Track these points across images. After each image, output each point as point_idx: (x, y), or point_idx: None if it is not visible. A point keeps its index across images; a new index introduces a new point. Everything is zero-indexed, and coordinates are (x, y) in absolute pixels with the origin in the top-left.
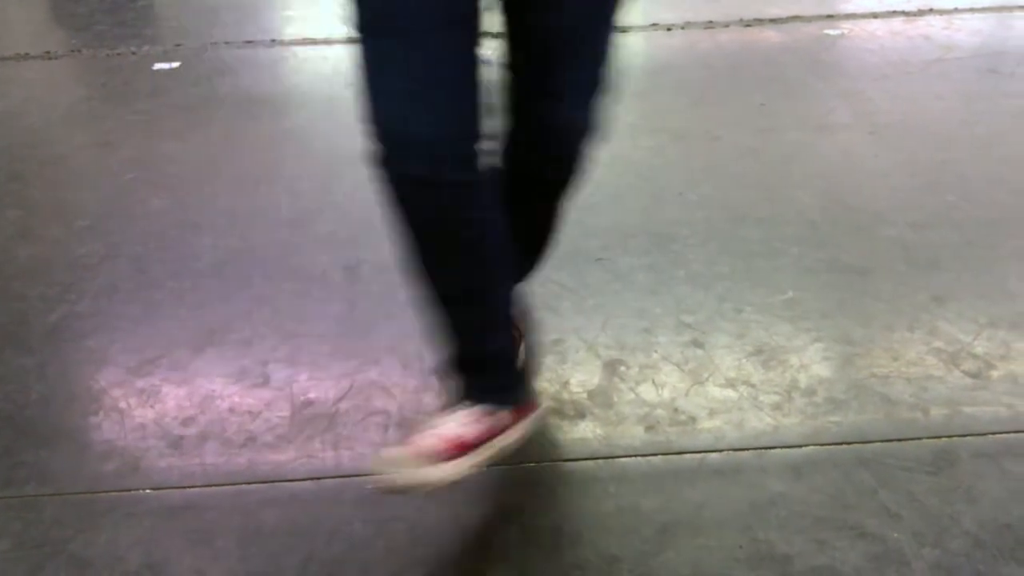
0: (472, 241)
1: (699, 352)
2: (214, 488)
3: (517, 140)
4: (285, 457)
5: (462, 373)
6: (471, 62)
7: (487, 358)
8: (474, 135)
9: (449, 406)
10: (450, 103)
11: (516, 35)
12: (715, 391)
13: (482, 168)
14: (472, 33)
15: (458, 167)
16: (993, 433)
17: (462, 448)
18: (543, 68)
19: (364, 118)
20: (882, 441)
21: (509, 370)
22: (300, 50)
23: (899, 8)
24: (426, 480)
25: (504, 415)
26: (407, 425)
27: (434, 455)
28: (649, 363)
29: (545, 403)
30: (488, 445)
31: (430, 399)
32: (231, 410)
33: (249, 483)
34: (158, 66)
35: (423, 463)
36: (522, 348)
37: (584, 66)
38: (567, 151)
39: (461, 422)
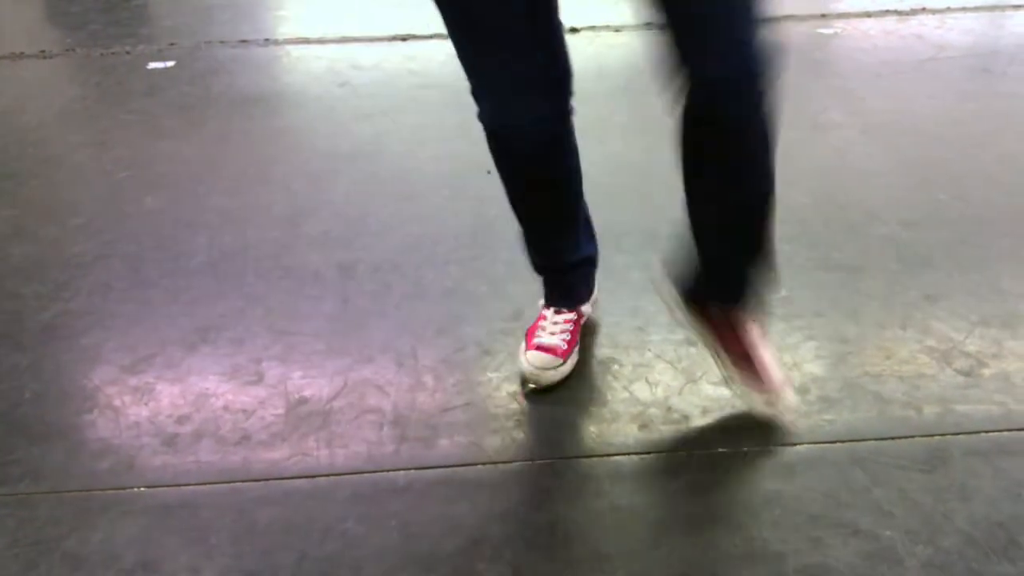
0: (560, 179)
1: (692, 351)
2: (208, 486)
3: (694, 104)
4: (279, 455)
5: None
6: (557, 43)
7: (562, 267)
8: (563, 112)
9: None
10: (538, 92)
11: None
12: (708, 389)
13: (567, 131)
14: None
15: (547, 142)
16: (985, 431)
17: (562, 353)
18: (696, 19)
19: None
20: (875, 439)
21: (580, 274)
22: (294, 49)
23: (892, 7)
24: (549, 381)
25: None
26: (402, 423)
27: (549, 363)
28: (643, 361)
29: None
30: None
31: (424, 397)
32: (225, 408)
33: (243, 481)
34: (152, 65)
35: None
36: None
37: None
38: (745, 97)
39: (550, 331)
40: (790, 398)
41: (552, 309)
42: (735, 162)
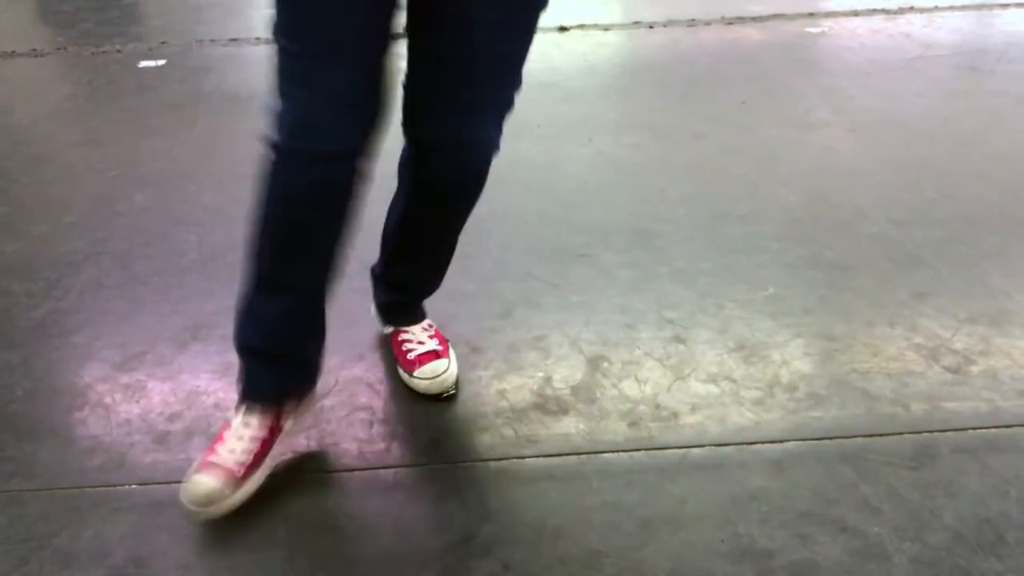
0: (324, 242)
1: (681, 348)
2: None
3: (424, 155)
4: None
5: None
6: (377, 75)
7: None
8: (367, 149)
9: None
10: (349, 116)
11: (429, 49)
12: (697, 387)
13: (361, 178)
14: (383, 45)
15: (344, 176)
16: (973, 428)
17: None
18: (459, 83)
19: (270, 111)
20: (863, 436)
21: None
22: None
23: (880, 6)
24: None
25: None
26: (392, 421)
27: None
28: (632, 359)
29: (523, 397)
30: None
31: (415, 395)
32: (216, 405)
33: None
34: (143, 64)
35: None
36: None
37: (500, 83)
38: (477, 165)
39: (231, 447)
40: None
41: (411, 328)
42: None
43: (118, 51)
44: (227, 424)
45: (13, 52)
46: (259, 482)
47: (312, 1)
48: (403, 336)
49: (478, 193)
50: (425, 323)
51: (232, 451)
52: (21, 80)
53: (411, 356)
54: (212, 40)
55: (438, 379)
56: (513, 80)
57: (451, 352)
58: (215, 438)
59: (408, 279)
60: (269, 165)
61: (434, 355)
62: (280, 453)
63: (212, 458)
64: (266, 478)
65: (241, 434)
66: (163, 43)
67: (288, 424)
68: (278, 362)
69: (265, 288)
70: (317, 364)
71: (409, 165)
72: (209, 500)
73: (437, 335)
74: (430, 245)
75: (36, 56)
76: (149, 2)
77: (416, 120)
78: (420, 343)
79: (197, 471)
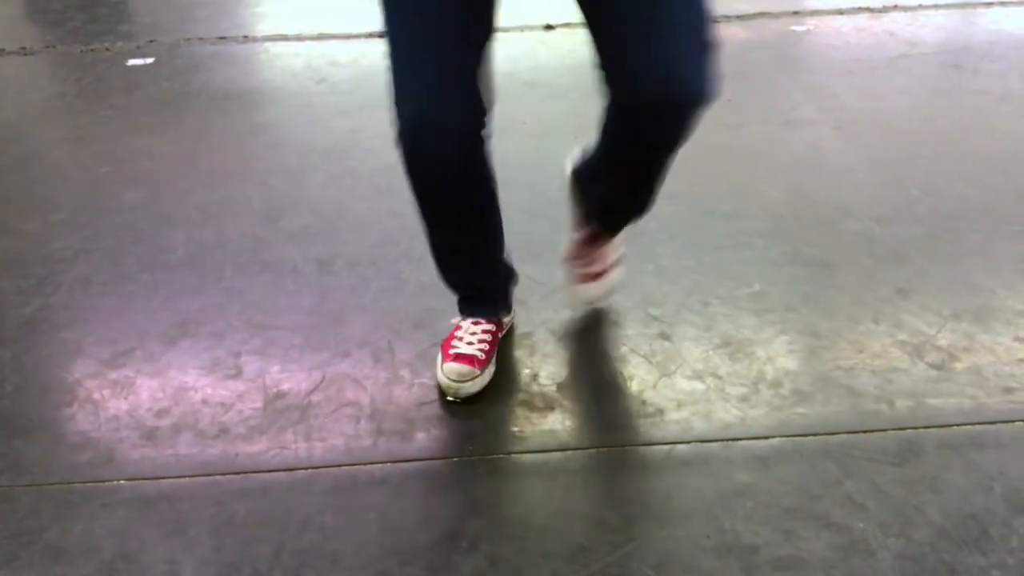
0: (470, 211)
1: (667, 345)
2: (187, 479)
3: (624, 112)
4: (258, 448)
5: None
6: (482, 58)
7: (481, 285)
8: (481, 125)
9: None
10: (462, 101)
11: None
12: (682, 383)
13: (485, 150)
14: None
15: (466, 154)
16: (957, 424)
17: (480, 363)
18: (643, 35)
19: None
20: (847, 432)
21: (499, 290)
22: (272, 46)
23: (864, 4)
24: (467, 393)
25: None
26: (379, 417)
27: (466, 374)
28: (618, 356)
29: (509, 393)
30: (494, 352)
31: (401, 391)
32: (204, 402)
33: (222, 474)
34: (132, 62)
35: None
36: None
37: (682, 22)
38: (678, 117)
39: (467, 341)
40: (596, 291)
41: (469, 320)
42: (650, 169)
43: (107, 49)
44: (457, 326)
45: (2, 50)
46: (493, 370)
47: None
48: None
49: (686, 134)
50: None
51: (471, 344)
52: (10, 78)
53: (451, 350)
54: (200, 38)
55: (455, 383)
56: (702, 15)
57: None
58: (447, 339)
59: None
60: (407, 151)
61: (470, 360)
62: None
63: (455, 351)
64: (253, 473)
65: (474, 331)
66: (151, 41)
67: (506, 319)
68: (479, 296)
69: (442, 253)
70: (512, 277)
71: (611, 129)
72: (463, 377)
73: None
74: (639, 192)
75: (25, 54)
76: (137, 1)
77: (613, 75)
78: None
79: (448, 362)
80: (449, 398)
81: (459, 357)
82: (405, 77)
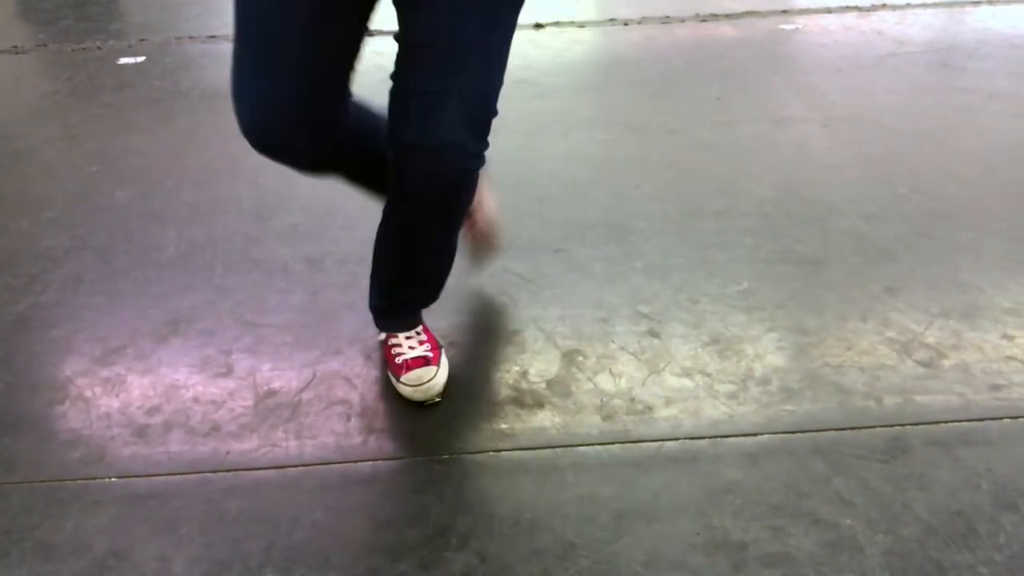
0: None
1: (656, 342)
2: (178, 476)
3: (399, 159)
4: (248, 446)
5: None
6: (340, 66)
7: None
8: (326, 142)
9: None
10: (305, 110)
11: (414, 31)
12: (671, 380)
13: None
14: (343, 37)
15: (309, 163)
16: (945, 421)
17: (435, 360)
18: (436, 72)
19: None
20: (836, 429)
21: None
22: None
23: (852, 3)
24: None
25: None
26: (369, 415)
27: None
28: (606, 353)
29: (498, 391)
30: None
31: (391, 389)
32: (195, 399)
33: (213, 471)
34: (123, 60)
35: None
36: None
37: (477, 76)
38: (450, 173)
39: (409, 347)
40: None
41: (400, 335)
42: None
43: (98, 48)
44: (390, 338)
45: None
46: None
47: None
48: (393, 340)
49: (455, 204)
50: (418, 328)
51: (413, 348)
52: (1, 77)
53: (399, 360)
54: (191, 37)
55: (422, 387)
56: (490, 76)
57: (442, 359)
58: (388, 357)
59: (394, 287)
60: None
61: (422, 361)
62: None
63: (406, 359)
64: (244, 471)
65: (411, 337)
66: (142, 40)
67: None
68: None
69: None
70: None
71: (390, 169)
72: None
73: (430, 340)
74: (411, 253)
75: (17, 53)
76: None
77: (393, 120)
78: (411, 348)
79: (406, 372)
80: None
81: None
82: (246, 72)
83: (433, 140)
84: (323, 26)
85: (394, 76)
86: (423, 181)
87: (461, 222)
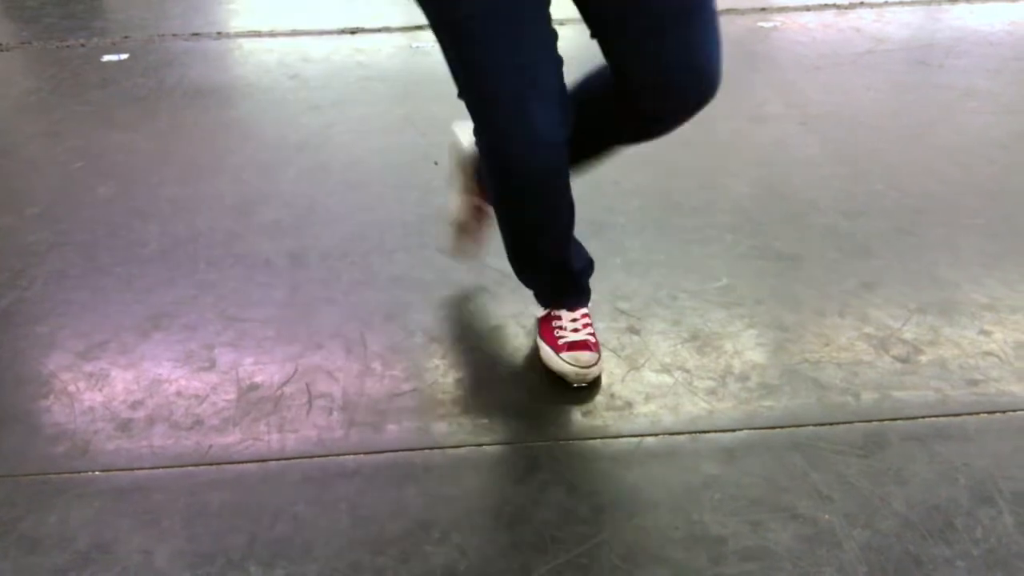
0: (556, 205)
1: (635, 338)
2: (161, 470)
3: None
4: (231, 440)
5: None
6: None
7: (572, 271)
8: (564, 122)
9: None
10: (544, 101)
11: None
12: (651, 376)
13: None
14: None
15: (550, 153)
16: (922, 417)
17: (597, 347)
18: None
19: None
20: (814, 425)
21: (587, 275)
22: (245, 42)
23: (831, 1)
24: (595, 376)
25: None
26: (351, 408)
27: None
28: None
29: (480, 386)
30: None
31: (372, 383)
32: (178, 393)
33: (196, 465)
34: (107, 58)
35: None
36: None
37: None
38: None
39: (584, 325)
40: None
41: (564, 309)
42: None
43: (82, 45)
44: (554, 316)
45: None
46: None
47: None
48: (556, 322)
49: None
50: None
51: (577, 331)
52: None
53: (561, 341)
54: (174, 35)
55: (583, 369)
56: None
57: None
58: (549, 332)
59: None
60: (497, 168)
61: (583, 345)
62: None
63: (573, 339)
64: (227, 464)
65: (575, 318)
66: (126, 38)
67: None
68: (577, 275)
69: (542, 246)
70: (592, 263)
71: (612, 105)
72: (589, 364)
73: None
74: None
75: (1, 50)
76: None
77: (623, 73)
78: (575, 331)
79: (568, 351)
80: (574, 385)
81: (576, 345)
82: (489, 84)
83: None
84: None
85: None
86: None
87: None
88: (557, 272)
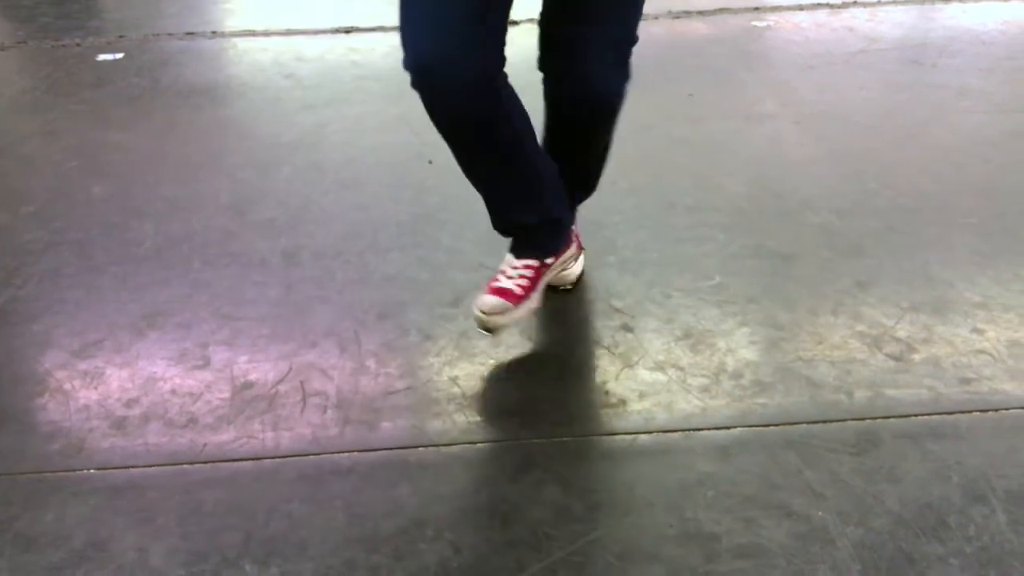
0: (500, 140)
1: (629, 336)
2: (156, 468)
3: (550, 84)
4: (225, 438)
5: (509, 237)
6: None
7: (524, 226)
8: (493, 69)
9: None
10: (470, 43)
11: None
12: (645, 374)
13: (501, 87)
14: None
15: (481, 95)
16: (915, 415)
17: (515, 298)
18: (570, 21)
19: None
20: (807, 423)
21: (544, 232)
22: (240, 41)
23: (824, 1)
24: (496, 325)
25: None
26: (346, 406)
27: (498, 307)
28: (580, 347)
29: (474, 384)
30: (535, 290)
31: (367, 381)
32: (173, 392)
33: (190, 463)
34: (102, 57)
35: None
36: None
37: (607, 22)
38: (595, 96)
39: (508, 276)
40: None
41: (512, 255)
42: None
43: (77, 45)
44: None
45: None
46: (534, 305)
47: None
48: (502, 264)
49: (604, 122)
50: (528, 261)
51: (510, 278)
52: None
53: (492, 284)
54: (169, 34)
55: (485, 315)
56: (632, 15)
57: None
58: (491, 279)
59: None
60: (420, 89)
61: (501, 292)
62: (550, 281)
63: (495, 284)
64: (222, 462)
65: (516, 266)
66: (121, 37)
67: (552, 261)
68: (530, 231)
69: (488, 188)
70: (562, 221)
71: (544, 90)
72: (495, 310)
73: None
74: (570, 155)
75: None
76: None
77: (544, 55)
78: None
79: (485, 294)
80: (479, 330)
81: (496, 291)
82: (415, 21)
83: (582, 70)
84: None
85: (543, 20)
86: (573, 103)
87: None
88: (503, 219)
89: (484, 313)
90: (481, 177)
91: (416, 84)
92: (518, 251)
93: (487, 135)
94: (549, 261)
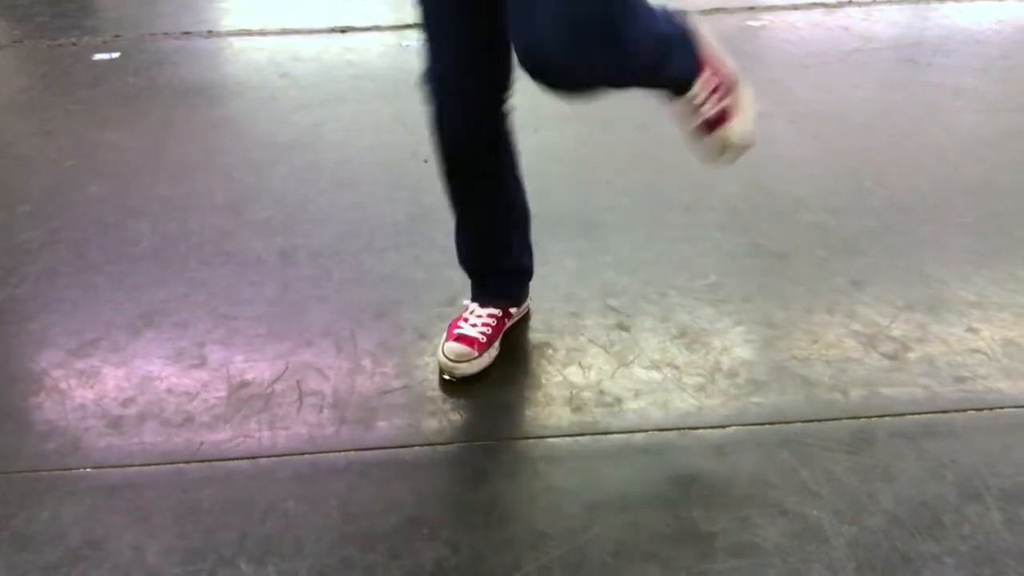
0: (486, 189)
1: (625, 335)
2: (152, 467)
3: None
4: (222, 437)
5: (473, 280)
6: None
7: (494, 273)
8: (499, 103)
9: (471, 306)
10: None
11: None
12: (640, 373)
13: (501, 126)
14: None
15: (478, 123)
16: (910, 414)
17: (479, 346)
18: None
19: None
20: (802, 421)
21: (510, 281)
22: (236, 41)
23: (819, 0)
24: (462, 373)
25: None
26: (342, 405)
27: (464, 355)
28: (576, 346)
29: (470, 383)
30: (497, 339)
31: (363, 380)
32: (169, 391)
33: (187, 462)
34: (98, 56)
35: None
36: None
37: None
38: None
39: (471, 323)
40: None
41: (477, 303)
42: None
43: (73, 44)
44: (465, 307)
45: None
46: (495, 353)
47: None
48: (465, 312)
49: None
50: (491, 310)
51: (474, 326)
52: None
53: (455, 331)
54: (165, 33)
55: (451, 363)
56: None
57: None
58: (455, 319)
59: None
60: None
61: (466, 340)
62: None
63: (457, 331)
64: (218, 461)
65: (479, 314)
66: (117, 36)
67: (514, 310)
68: (495, 277)
69: (457, 232)
70: (528, 271)
71: None
72: (461, 358)
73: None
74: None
75: None
76: None
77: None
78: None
79: (447, 341)
80: (445, 377)
81: (460, 338)
82: (436, 43)
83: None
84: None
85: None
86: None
87: None
88: (470, 266)
89: (451, 360)
90: (458, 210)
91: (427, 95)
92: (483, 299)
93: (482, 159)
94: (513, 311)
